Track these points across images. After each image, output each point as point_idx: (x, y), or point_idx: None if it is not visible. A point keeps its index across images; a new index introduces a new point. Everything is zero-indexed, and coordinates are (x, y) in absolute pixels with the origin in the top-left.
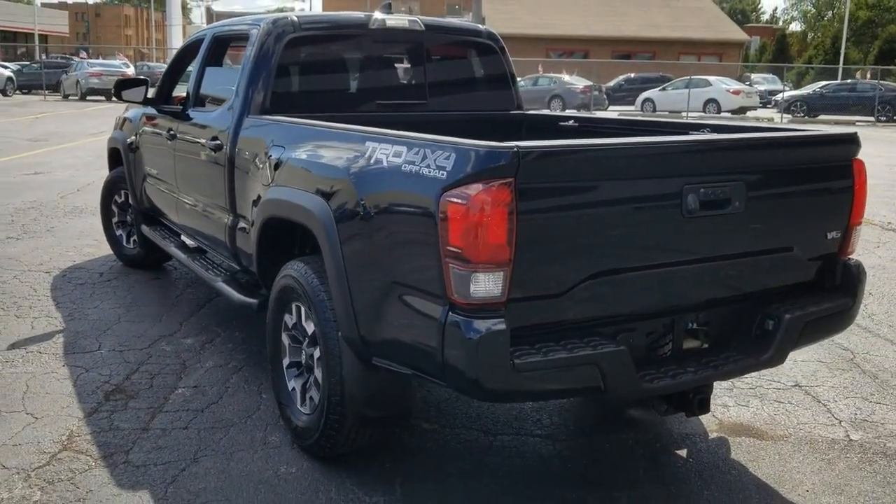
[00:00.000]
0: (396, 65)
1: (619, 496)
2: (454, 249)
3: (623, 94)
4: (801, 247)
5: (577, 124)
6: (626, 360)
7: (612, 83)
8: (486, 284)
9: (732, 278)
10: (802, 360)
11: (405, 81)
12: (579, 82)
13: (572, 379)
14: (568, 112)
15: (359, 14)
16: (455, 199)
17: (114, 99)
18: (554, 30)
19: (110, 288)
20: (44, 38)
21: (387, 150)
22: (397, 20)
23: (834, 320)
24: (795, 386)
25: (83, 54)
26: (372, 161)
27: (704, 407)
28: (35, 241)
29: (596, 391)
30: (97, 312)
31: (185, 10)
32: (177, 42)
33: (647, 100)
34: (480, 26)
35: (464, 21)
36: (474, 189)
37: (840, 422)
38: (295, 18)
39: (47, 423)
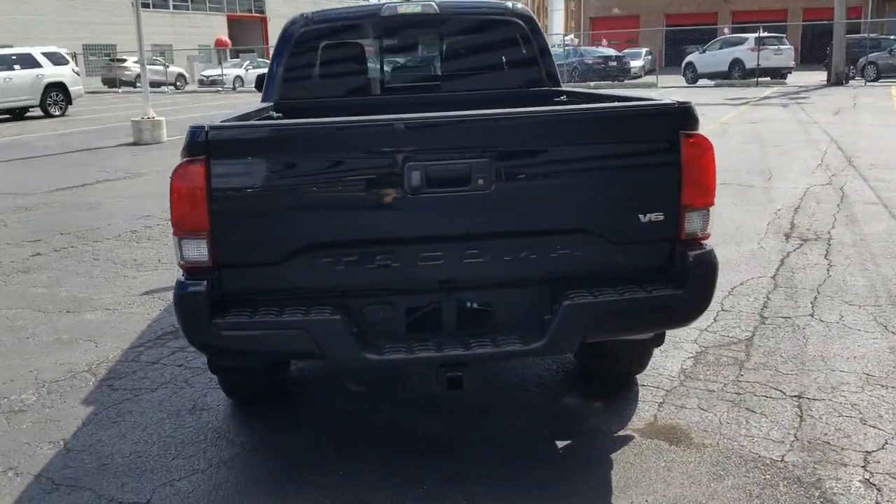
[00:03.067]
0: (411, 49)
1: (463, 469)
2: (173, 219)
3: None
4: (601, 229)
5: (567, 98)
6: (339, 328)
7: None
8: (193, 250)
9: (506, 259)
10: (843, 371)
11: (420, 64)
12: None
13: (283, 342)
14: None
15: (373, 4)
16: (173, 174)
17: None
18: None
19: None
20: None
21: None
22: (409, 6)
23: (654, 312)
24: (796, 397)
25: None
26: None
27: (456, 385)
28: None
29: (312, 356)
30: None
31: None
32: (557, 28)
33: None
34: (508, 3)
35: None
36: (180, 164)
37: (793, 441)
38: (309, 14)
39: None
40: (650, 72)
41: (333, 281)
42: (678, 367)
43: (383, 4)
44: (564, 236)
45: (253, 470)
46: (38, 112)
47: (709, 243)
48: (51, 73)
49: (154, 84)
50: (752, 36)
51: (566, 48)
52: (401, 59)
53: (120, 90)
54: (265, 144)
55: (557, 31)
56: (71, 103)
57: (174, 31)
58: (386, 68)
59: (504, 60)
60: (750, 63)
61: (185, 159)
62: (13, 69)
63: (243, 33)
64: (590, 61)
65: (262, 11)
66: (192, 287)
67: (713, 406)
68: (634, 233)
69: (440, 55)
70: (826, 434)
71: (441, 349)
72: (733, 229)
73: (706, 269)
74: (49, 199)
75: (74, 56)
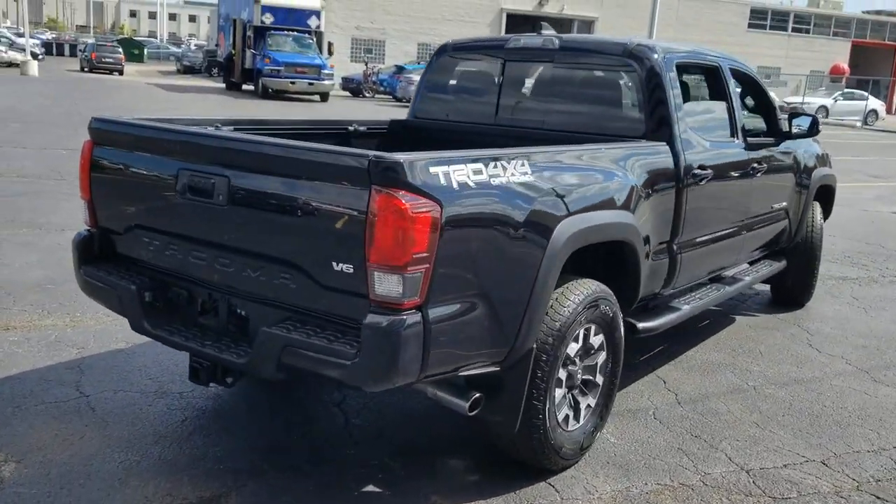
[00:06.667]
0: (527, 81)
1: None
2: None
3: None
4: (306, 267)
5: None
6: (131, 297)
7: None
8: (85, 214)
9: (245, 275)
10: None
11: (531, 97)
12: None
13: (108, 296)
14: None
15: (506, 36)
16: (81, 150)
17: None
18: None
19: None
20: None
21: None
22: (532, 39)
23: (328, 364)
24: None
25: None
26: None
27: (195, 377)
28: None
29: (124, 315)
30: None
31: None
32: None
33: None
34: (629, 43)
35: (611, 38)
36: (84, 143)
37: None
38: (453, 41)
39: None
40: None
41: (151, 259)
42: (617, 488)
43: (512, 36)
44: (281, 266)
45: (174, 410)
46: None
47: (414, 313)
48: None
49: None
50: None
51: None
52: (516, 90)
53: None
54: (114, 138)
55: None
56: None
57: (787, 53)
58: (501, 98)
59: (607, 104)
60: None
61: (86, 140)
62: None
63: (869, 61)
64: None
65: None
66: (74, 239)
67: None
68: (333, 280)
69: (551, 90)
70: None
71: (186, 340)
72: None
73: (379, 337)
74: None
75: None
